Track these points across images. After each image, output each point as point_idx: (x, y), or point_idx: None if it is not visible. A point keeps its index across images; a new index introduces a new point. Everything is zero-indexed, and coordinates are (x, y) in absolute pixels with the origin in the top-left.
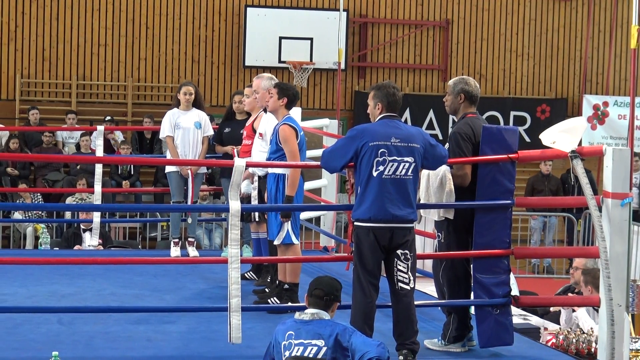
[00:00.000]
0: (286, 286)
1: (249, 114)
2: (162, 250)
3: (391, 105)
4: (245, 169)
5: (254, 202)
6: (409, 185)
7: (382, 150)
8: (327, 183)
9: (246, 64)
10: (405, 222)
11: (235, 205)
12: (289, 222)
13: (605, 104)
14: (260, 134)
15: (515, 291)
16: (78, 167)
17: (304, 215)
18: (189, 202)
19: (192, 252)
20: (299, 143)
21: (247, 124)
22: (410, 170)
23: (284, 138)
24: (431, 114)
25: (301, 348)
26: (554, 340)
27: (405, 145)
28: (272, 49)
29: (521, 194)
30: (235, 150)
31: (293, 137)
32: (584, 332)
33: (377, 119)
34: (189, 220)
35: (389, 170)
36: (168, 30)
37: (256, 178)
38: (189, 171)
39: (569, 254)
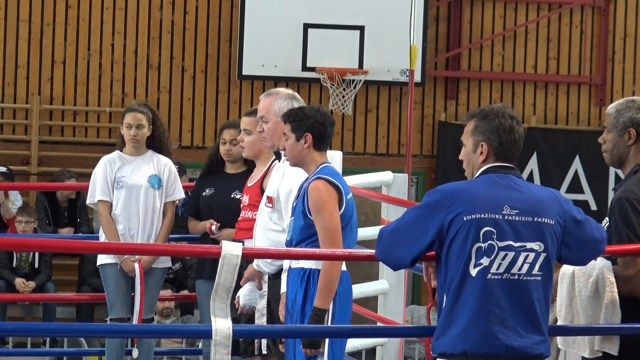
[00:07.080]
0: None
1: (250, 164)
2: None
3: (506, 149)
4: (244, 261)
5: (260, 320)
6: (536, 292)
7: (487, 229)
8: (387, 287)
9: (244, 72)
10: (530, 358)
11: (222, 326)
12: (323, 357)
13: None
14: (270, 199)
15: None
16: None
17: (351, 344)
18: (136, 321)
19: None
20: (344, 214)
21: (249, 183)
22: (537, 266)
23: (317, 204)
24: (577, 165)
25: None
26: None
27: (530, 221)
28: (292, 46)
29: None
30: (213, 227)
31: (333, 202)
32: None
33: (477, 173)
34: (134, 354)
35: (500, 265)
36: (105, 13)
37: (265, 279)
38: (137, 265)
39: None
